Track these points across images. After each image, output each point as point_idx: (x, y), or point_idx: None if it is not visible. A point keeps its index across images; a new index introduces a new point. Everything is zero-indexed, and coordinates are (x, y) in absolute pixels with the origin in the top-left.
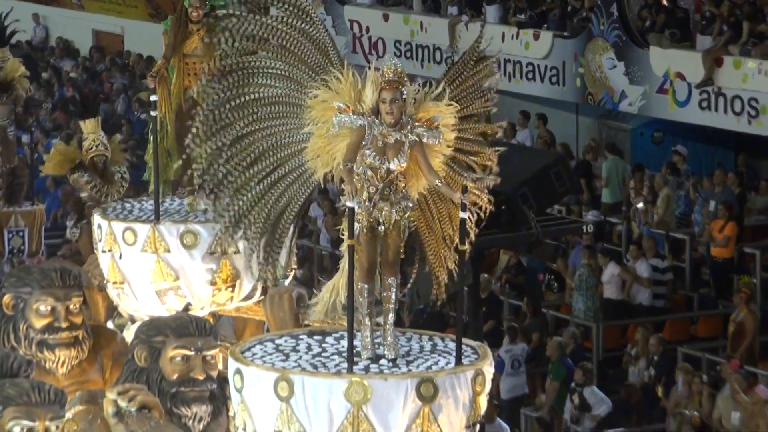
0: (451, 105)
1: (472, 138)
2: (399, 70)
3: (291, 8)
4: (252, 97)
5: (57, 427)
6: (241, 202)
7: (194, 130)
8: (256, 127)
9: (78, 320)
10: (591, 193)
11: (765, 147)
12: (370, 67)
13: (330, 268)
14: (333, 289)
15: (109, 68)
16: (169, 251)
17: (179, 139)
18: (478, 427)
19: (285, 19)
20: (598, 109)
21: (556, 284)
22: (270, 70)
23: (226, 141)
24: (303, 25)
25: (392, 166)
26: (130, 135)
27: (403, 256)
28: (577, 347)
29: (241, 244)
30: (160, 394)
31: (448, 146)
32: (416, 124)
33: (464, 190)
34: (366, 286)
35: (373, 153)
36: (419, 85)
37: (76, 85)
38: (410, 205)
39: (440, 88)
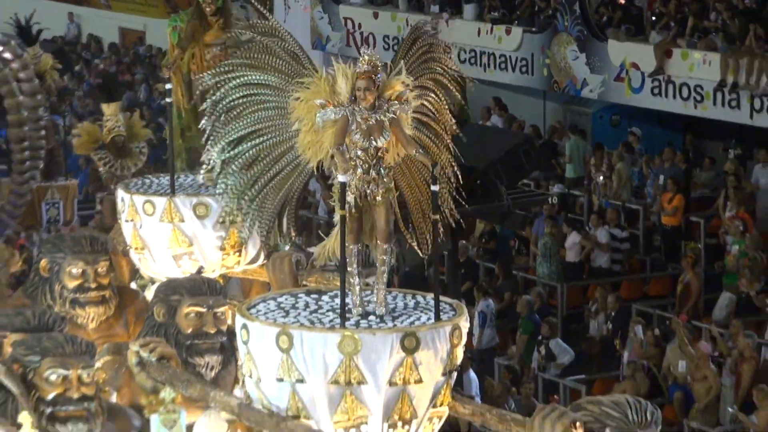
0: (408, 78)
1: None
2: (373, 60)
3: (264, 30)
4: (243, 106)
5: (88, 375)
6: (248, 200)
7: (205, 137)
8: (250, 131)
9: (105, 281)
10: (556, 169)
11: (709, 128)
12: (340, 62)
13: (326, 235)
14: (326, 248)
15: (132, 61)
16: (183, 221)
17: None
18: (454, 374)
19: (259, 40)
20: (562, 95)
21: (524, 249)
22: (252, 82)
23: (229, 146)
24: (276, 41)
25: (379, 143)
26: (150, 120)
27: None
28: (544, 305)
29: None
30: (176, 346)
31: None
32: (390, 102)
33: (434, 165)
34: (355, 250)
35: (360, 135)
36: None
37: (101, 75)
38: (392, 183)
39: (398, 66)
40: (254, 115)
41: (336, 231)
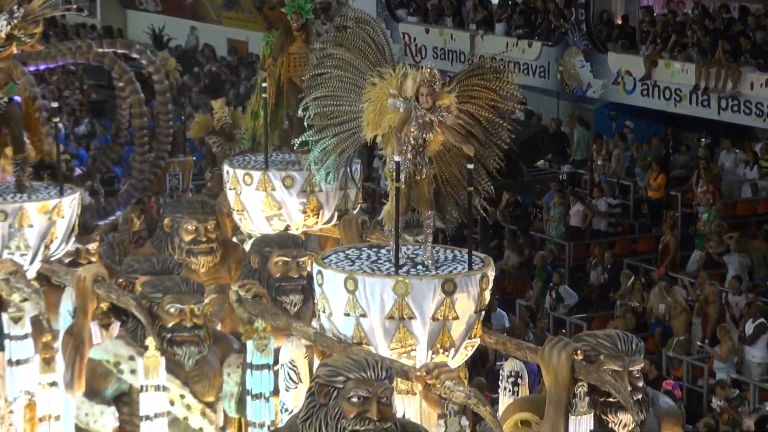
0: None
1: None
2: (434, 73)
3: (363, 21)
4: (330, 74)
5: (198, 309)
6: (323, 144)
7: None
8: (332, 95)
9: (213, 236)
10: (566, 153)
11: (685, 123)
12: (414, 67)
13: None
14: (387, 212)
15: (236, 65)
16: (274, 189)
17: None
18: (483, 312)
19: (358, 26)
20: (571, 95)
21: (540, 215)
22: (342, 60)
23: (318, 100)
24: (369, 30)
25: (428, 137)
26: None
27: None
28: (554, 259)
29: (323, 185)
30: (267, 287)
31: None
32: (443, 108)
33: (469, 159)
34: (407, 214)
35: (416, 128)
36: (446, 78)
37: (211, 76)
38: (430, 165)
39: (452, 86)
40: (336, 83)
41: (392, 199)
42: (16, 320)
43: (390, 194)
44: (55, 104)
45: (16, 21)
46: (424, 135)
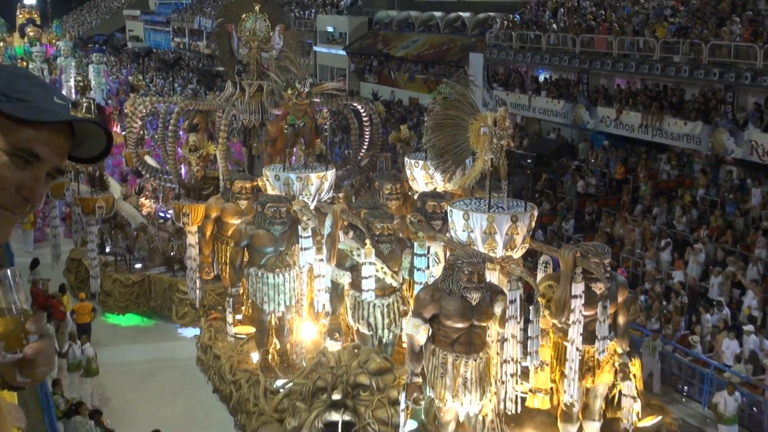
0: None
1: None
2: (503, 114)
3: (461, 93)
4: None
5: (390, 226)
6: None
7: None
8: (448, 134)
9: (399, 192)
10: (576, 155)
11: (636, 142)
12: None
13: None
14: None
15: (414, 110)
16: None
17: None
18: (531, 231)
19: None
20: (580, 126)
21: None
22: (453, 115)
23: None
24: (465, 97)
25: (502, 143)
26: None
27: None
28: (568, 207)
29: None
30: (425, 217)
31: None
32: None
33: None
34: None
35: (496, 145)
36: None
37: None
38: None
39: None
40: (452, 128)
41: (489, 175)
42: (305, 228)
43: (485, 174)
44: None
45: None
46: (497, 148)
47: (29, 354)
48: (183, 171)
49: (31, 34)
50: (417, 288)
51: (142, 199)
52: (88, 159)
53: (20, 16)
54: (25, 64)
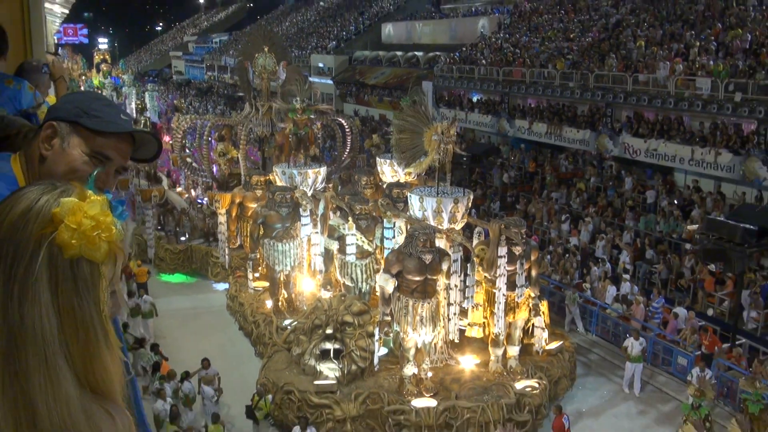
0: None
1: None
2: (447, 124)
3: (418, 111)
4: (408, 128)
5: (366, 208)
6: (405, 157)
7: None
8: (409, 138)
9: (375, 183)
10: (500, 154)
11: (542, 145)
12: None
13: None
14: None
15: (384, 124)
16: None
17: None
18: (468, 209)
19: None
20: (504, 134)
21: (492, 176)
22: (413, 122)
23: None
24: (423, 110)
25: (447, 148)
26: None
27: None
28: (496, 191)
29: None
30: (392, 201)
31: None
32: (449, 136)
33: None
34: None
35: (443, 148)
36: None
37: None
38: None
39: (455, 124)
40: (411, 133)
41: (438, 169)
42: (304, 210)
43: (435, 168)
44: (319, 135)
45: (306, 104)
46: (446, 146)
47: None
48: (214, 169)
49: (104, 69)
50: (386, 252)
51: (180, 190)
52: (144, 160)
53: (96, 56)
54: (99, 92)
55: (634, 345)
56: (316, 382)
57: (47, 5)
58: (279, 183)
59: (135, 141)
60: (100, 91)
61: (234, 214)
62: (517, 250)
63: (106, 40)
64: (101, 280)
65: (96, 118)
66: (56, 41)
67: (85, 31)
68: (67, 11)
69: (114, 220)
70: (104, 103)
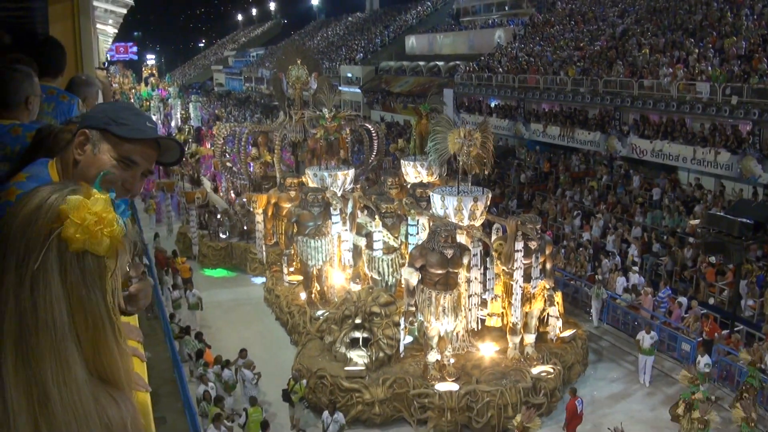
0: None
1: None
2: (468, 129)
3: (444, 118)
4: (437, 131)
5: (392, 206)
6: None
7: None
8: (439, 142)
9: (400, 184)
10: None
11: (556, 147)
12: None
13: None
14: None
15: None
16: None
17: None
18: (487, 207)
19: (441, 118)
20: (521, 137)
21: (514, 174)
22: (439, 129)
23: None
24: (446, 119)
25: (470, 149)
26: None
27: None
28: (515, 190)
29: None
30: (416, 201)
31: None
32: (473, 139)
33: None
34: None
35: (465, 150)
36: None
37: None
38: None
39: (477, 133)
40: (440, 134)
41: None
42: (334, 209)
43: (458, 170)
44: (348, 140)
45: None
46: (469, 149)
47: (133, 291)
48: (251, 172)
49: (152, 82)
50: (410, 247)
51: (221, 194)
52: (168, 163)
53: (145, 71)
54: (148, 103)
55: (645, 338)
56: (346, 368)
57: (99, 26)
58: (311, 184)
59: (160, 146)
60: (147, 104)
61: (270, 214)
62: (533, 244)
63: (153, 56)
64: (107, 272)
65: (124, 126)
66: (108, 58)
67: (134, 48)
68: (116, 30)
69: (116, 216)
70: (132, 112)
